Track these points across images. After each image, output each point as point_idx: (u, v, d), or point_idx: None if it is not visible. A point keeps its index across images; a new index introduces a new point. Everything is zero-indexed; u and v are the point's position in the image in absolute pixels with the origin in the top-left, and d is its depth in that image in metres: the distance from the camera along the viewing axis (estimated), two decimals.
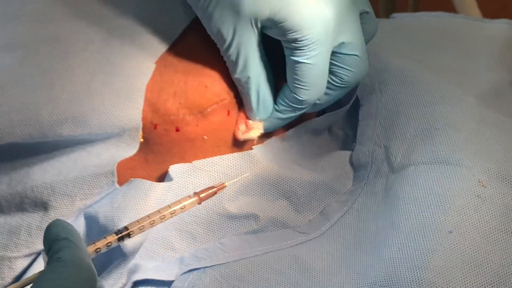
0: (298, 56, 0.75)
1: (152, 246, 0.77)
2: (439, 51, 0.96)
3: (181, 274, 0.75)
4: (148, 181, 0.76)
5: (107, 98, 0.74)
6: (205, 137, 0.78)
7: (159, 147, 0.78)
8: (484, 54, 0.95)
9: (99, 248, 0.67)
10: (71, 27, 0.77)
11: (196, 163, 0.78)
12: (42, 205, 0.75)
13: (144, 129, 0.76)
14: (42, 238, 0.74)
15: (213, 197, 0.77)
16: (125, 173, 0.77)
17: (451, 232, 0.71)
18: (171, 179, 0.77)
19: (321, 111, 0.85)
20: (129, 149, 0.76)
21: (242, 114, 0.80)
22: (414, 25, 1.03)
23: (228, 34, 0.75)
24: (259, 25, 0.75)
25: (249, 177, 0.79)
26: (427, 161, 0.79)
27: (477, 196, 0.74)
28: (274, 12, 0.73)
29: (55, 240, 0.62)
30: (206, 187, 0.77)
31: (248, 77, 0.77)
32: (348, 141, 0.87)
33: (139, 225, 0.70)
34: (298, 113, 0.80)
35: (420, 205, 0.74)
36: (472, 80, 0.89)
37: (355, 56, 0.79)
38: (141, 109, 0.75)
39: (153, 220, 0.70)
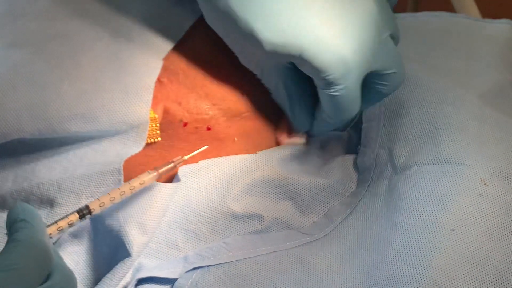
0: (326, 89, 0.76)
1: (157, 245, 0.77)
2: (440, 51, 0.96)
3: (185, 272, 0.75)
4: (155, 182, 0.76)
5: (116, 95, 0.74)
6: (235, 139, 0.79)
7: (184, 145, 0.78)
8: (485, 54, 0.95)
9: (61, 227, 0.69)
10: (79, 25, 0.77)
11: (203, 163, 0.79)
12: (48, 202, 0.75)
13: (171, 126, 0.77)
14: None
15: (218, 196, 0.78)
16: (136, 169, 0.77)
17: (453, 230, 0.72)
18: (179, 180, 0.77)
19: None
20: (135, 146, 0.76)
21: (285, 121, 0.82)
22: (415, 25, 1.03)
23: (257, 69, 0.77)
24: (286, 62, 0.76)
25: (254, 178, 0.80)
26: (429, 161, 0.79)
27: (479, 194, 0.75)
28: (294, 57, 0.74)
29: (14, 222, 0.63)
30: (213, 187, 0.78)
31: (284, 99, 0.79)
32: (352, 143, 0.88)
33: (99, 202, 0.71)
34: (336, 126, 0.82)
35: (423, 204, 0.75)
36: (473, 80, 0.90)
37: (392, 74, 0.79)
38: (149, 106, 0.75)
39: (113, 197, 0.72)
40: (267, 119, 0.82)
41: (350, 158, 0.86)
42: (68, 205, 0.75)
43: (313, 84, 0.78)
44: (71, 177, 0.75)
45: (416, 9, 1.50)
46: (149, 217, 0.75)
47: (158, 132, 0.77)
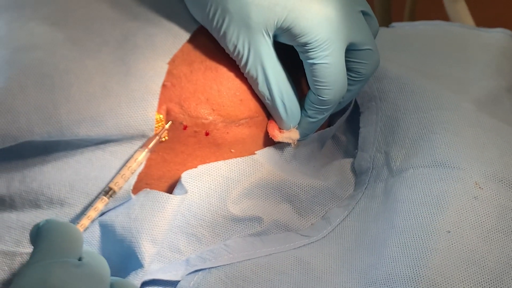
0: (312, 59, 0.78)
1: (160, 249, 0.78)
2: (437, 59, 0.97)
3: (187, 275, 0.76)
4: (165, 193, 0.77)
5: (123, 99, 0.75)
6: (232, 150, 0.81)
7: (184, 148, 0.79)
8: (481, 62, 0.97)
9: (90, 215, 0.75)
10: (85, 30, 0.78)
11: (202, 167, 0.79)
12: (59, 203, 0.76)
13: (171, 128, 0.78)
14: None
15: (218, 200, 0.79)
16: (139, 173, 0.78)
17: (449, 232, 0.73)
18: (182, 185, 0.78)
19: (329, 118, 0.87)
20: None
21: (272, 123, 0.82)
22: (413, 34, 1.04)
23: (244, 49, 0.77)
24: (270, 34, 0.77)
25: (252, 181, 0.81)
26: (425, 164, 0.80)
27: (474, 197, 0.76)
28: (281, 19, 0.76)
29: (37, 228, 0.68)
30: (212, 191, 0.79)
31: (270, 89, 0.79)
32: (349, 147, 0.89)
33: (114, 183, 0.76)
34: (327, 114, 0.82)
35: (419, 206, 0.76)
36: (469, 87, 0.91)
37: (368, 50, 0.81)
38: (155, 110, 0.76)
39: (124, 174, 0.76)
40: (264, 127, 0.83)
41: (347, 161, 0.87)
42: (78, 206, 0.76)
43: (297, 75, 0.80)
44: (84, 179, 0.76)
45: (413, 18, 1.51)
46: (159, 229, 0.76)
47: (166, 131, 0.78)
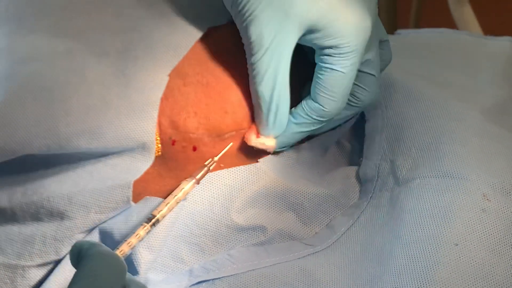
0: (332, 64, 0.76)
1: (163, 259, 0.78)
2: (443, 67, 0.97)
3: (190, 286, 0.76)
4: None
5: (123, 111, 0.75)
6: (221, 165, 0.80)
7: (175, 163, 0.78)
8: (487, 71, 0.97)
9: (131, 242, 0.74)
10: (86, 41, 0.78)
11: (204, 177, 0.79)
12: (58, 215, 0.75)
13: (162, 143, 0.77)
14: (56, 248, 0.76)
15: (221, 209, 0.79)
16: (137, 186, 0.77)
17: (456, 244, 0.72)
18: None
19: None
20: (144, 161, 0.77)
21: (254, 127, 0.80)
22: (419, 41, 1.04)
23: (268, 39, 0.74)
24: (301, 32, 0.75)
25: (256, 190, 0.80)
26: (432, 174, 0.80)
27: (482, 209, 0.75)
28: (322, 16, 0.74)
29: (81, 248, 0.66)
30: (216, 200, 0.78)
31: (272, 89, 0.76)
32: (354, 154, 0.88)
33: (158, 211, 0.76)
34: (316, 127, 0.79)
35: (426, 217, 0.76)
36: (476, 95, 0.91)
37: (373, 76, 0.80)
38: (155, 122, 0.76)
39: (160, 209, 0.76)
40: None
41: (352, 169, 0.86)
42: (78, 219, 0.76)
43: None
44: (82, 191, 0.75)
45: (418, 25, 1.51)
46: (157, 236, 0.76)
47: (160, 146, 0.78)
